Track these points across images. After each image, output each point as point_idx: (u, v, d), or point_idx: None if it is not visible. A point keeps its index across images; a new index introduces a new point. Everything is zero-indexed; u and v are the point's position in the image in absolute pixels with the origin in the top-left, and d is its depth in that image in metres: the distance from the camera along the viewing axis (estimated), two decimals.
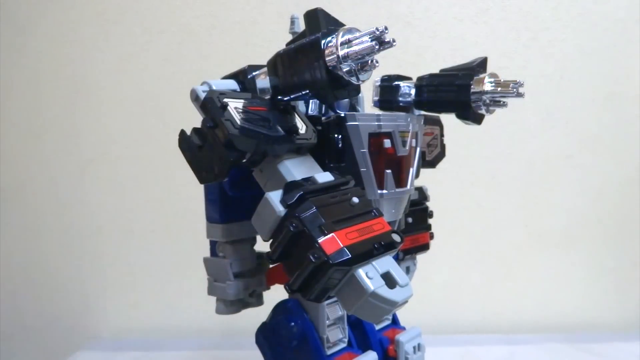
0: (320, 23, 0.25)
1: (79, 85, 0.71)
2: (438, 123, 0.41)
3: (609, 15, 0.68)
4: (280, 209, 0.24)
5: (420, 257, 0.42)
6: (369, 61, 0.24)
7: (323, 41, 0.24)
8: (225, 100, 0.25)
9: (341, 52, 0.23)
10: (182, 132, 0.27)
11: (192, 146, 0.26)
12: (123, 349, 0.65)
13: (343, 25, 0.25)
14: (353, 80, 0.25)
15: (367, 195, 0.30)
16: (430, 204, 0.42)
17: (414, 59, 0.67)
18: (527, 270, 0.72)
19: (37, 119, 0.73)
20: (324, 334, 0.32)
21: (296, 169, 0.27)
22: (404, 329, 0.39)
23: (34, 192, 0.72)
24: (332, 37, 0.24)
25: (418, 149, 0.34)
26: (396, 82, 0.37)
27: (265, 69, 0.28)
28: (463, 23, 0.68)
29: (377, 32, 0.23)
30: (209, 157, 0.26)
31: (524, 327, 0.71)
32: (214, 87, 0.27)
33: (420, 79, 0.36)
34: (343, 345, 0.34)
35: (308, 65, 0.24)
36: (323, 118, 0.31)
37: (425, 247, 0.42)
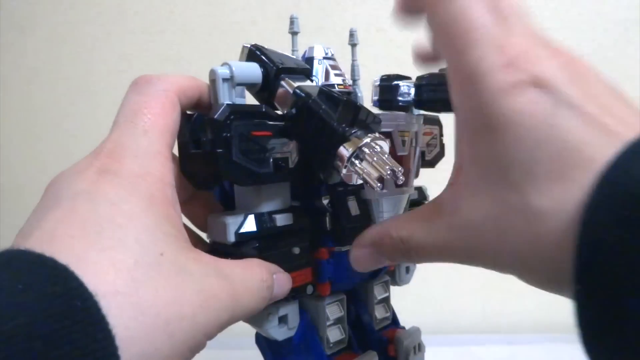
0: (353, 115, 0.25)
1: (79, 85, 0.72)
2: (437, 123, 0.41)
3: (609, 15, 0.68)
4: (232, 239, 0.26)
5: None
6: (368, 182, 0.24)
7: (346, 135, 0.24)
8: (234, 124, 0.25)
9: (353, 159, 0.23)
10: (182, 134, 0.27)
11: (187, 151, 0.26)
12: None
13: (378, 121, 0.25)
14: (347, 181, 0.25)
15: (367, 194, 0.31)
16: None
17: None
18: None
19: (37, 119, 0.73)
20: (324, 334, 0.32)
21: (267, 198, 0.28)
22: (404, 328, 0.39)
23: (34, 192, 0.72)
24: (350, 145, 0.24)
25: (418, 149, 0.34)
26: (395, 82, 0.36)
27: (290, 85, 0.27)
28: None
29: (386, 175, 0.23)
30: (199, 168, 0.26)
31: (524, 327, 0.71)
32: (234, 69, 0.26)
33: (420, 78, 0.36)
34: (343, 345, 0.34)
35: (321, 142, 0.25)
36: None
37: None
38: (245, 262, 0.24)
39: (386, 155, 0.24)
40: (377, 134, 0.25)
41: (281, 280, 0.26)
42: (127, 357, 0.16)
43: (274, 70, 0.27)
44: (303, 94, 0.25)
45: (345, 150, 0.23)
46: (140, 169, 0.21)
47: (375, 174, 0.23)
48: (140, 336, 0.17)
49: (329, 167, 0.25)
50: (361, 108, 0.25)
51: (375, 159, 0.23)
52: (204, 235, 0.29)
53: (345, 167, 0.24)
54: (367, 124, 0.25)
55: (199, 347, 0.20)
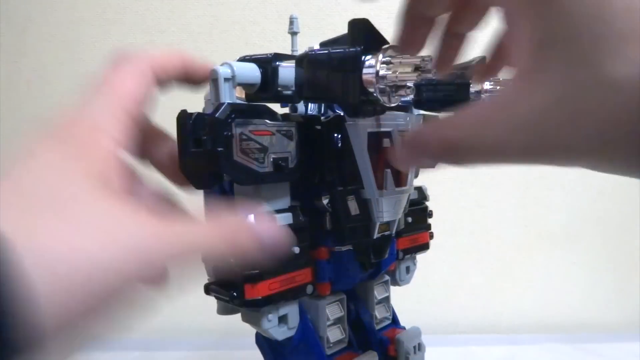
0: (364, 35, 0.24)
1: (79, 85, 0.72)
2: None
3: None
4: None
5: (420, 257, 0.42)
6: (405, 88, 0.24)
7: (363, 56, 0.24)
8: (235, 123, 0.25)
9: (381, 72, 0.23)
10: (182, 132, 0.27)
11: (187, 149, 0.26)
12: (123, 349, 0.65)
13: (386, 41, 0.25)
14: (384, 100, 0.25)
15: (367, 194, 0.31)
16: (430, 204, 0.42)
17: None
18: (527, 270, 0.72)
19: (37, 119, 0.73)
20: (324, 334, 0.32)
21: (267, 197, 0.28)
22: (404, 328, 0.39)
23: None
24: (374, 55, 0.23)
25: None
26: None
27: (291, 62, 0.27)
28: None
29: (420, 63, 0.23)
30: (199, 167, 0.26)
31: (524, 327, 0.71)
32: (236, 69, 0.26)
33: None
34: (343, 345, 0.34)
35: (343, 75, 0.24)
36: (322, 117, 0.31)
37: (425, 247, 0.42)
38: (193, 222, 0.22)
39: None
40: (389, 44, 0.24)
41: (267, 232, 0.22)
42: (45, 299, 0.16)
43: (269, 57, 0.27)
44: (307, 51, 0.25)
45: (370, 69, 0.23)
46: (76, 119, 0.21)
47: (409, 69, 0.23)
48: (56, 281, 0.16)
49: (359, 100, 0.24)
50: (368, 21, 0.25)
51: (400, 59, 0.23)
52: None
53: (378, 83, 0.23)
54: (376, 39, 0.25)
55: (118, 292, 0.19)
